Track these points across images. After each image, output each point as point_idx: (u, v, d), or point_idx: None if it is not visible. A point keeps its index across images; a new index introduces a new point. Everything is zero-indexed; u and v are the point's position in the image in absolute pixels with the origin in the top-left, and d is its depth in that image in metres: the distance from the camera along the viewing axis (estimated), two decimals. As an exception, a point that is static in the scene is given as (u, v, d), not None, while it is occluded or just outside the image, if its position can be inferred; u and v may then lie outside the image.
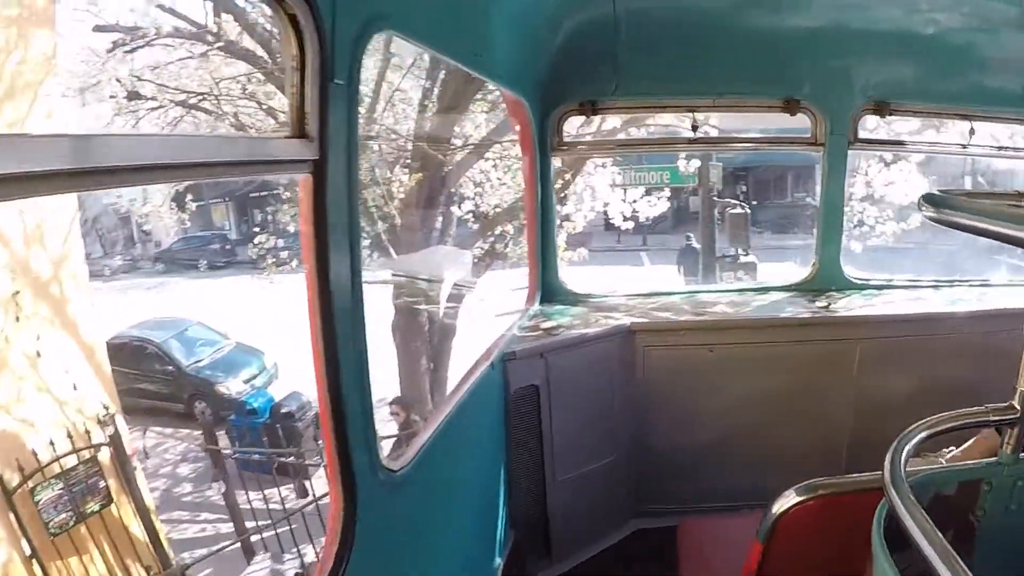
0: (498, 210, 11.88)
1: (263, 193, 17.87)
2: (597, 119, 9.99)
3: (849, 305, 4.52)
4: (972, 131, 4.51)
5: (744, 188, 25.79)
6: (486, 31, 3.35)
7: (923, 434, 2.12)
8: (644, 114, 9.19)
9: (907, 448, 2.02)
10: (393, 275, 11.54)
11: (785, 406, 4.36)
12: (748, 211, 13.79)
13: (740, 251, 14.36)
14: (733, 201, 14.82)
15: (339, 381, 1.99)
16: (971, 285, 5.00)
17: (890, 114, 4.51)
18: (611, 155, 11.12)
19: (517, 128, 4.53)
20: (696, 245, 18.06)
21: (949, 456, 3.30)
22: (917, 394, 4.24)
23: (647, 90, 4.55)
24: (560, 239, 11.28)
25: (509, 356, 3.72)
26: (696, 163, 13.26)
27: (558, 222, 11.28)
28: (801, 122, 4.74)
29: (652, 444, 4.38)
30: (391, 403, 11.26)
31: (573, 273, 11.22)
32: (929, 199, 1.87)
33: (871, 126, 5.20)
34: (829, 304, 4.51)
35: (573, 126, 8.88)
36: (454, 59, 3.27)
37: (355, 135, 2.05)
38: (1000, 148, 5.02)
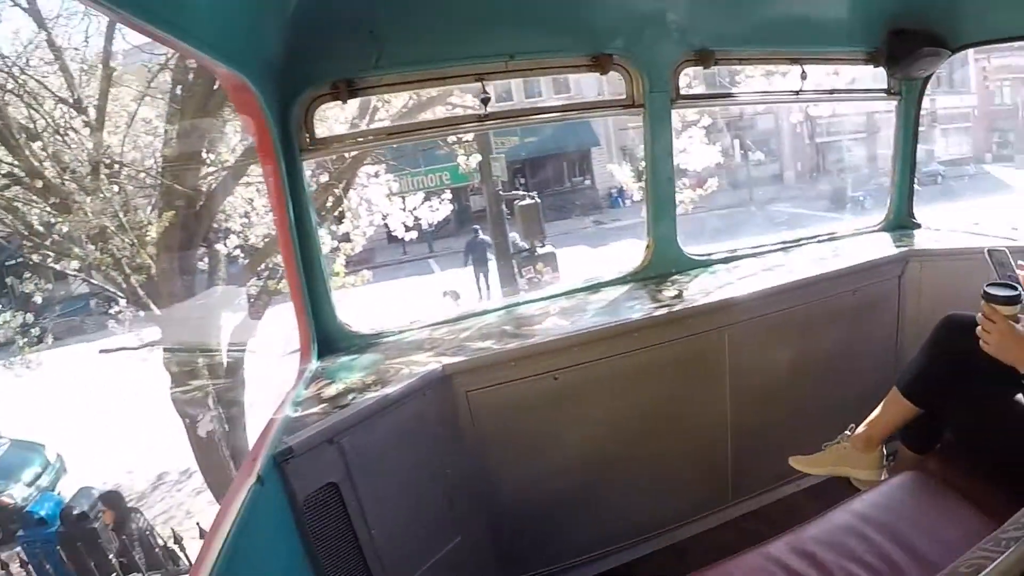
0: (267, 240, 10.59)
1: (16, 260, 15.54)
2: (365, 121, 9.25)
3: (703, 288, 3.81)
4: (804, 75, 4.06)
5: (523, 180, 25.94)
6: None
7: None
8: (417, 90, 8.23)
9: None
10: (161, 335, 10.11)
11: (654, 421, 3.64)
12: (539, 201, 13.35)
13: (536, 243, 13.86)
14: (521, 192, 14.33)
15: None
16: (819, 241, 4.61)
17: (715, 64, 3.87)
18: (381, 145, 8.65)
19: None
20: (484, 237, 17.80)
21: (855, 435, 3.09)
22: (795, 370, 3.86)
23: (421, 58, 3.38)
24: (338, 263, 10.52)
25: (284, 455, 2.52)
26: (477, 158, 12.69)
27: (334, 244, 10.51)
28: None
29: (504, 507, 3.43)
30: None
31: (359, 300, 10.34)
32: None
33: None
34: (681, 292, 3.79)
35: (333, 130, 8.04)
36: (113, 4, 1.87)
37: None
38: (832, 92, 4.52)
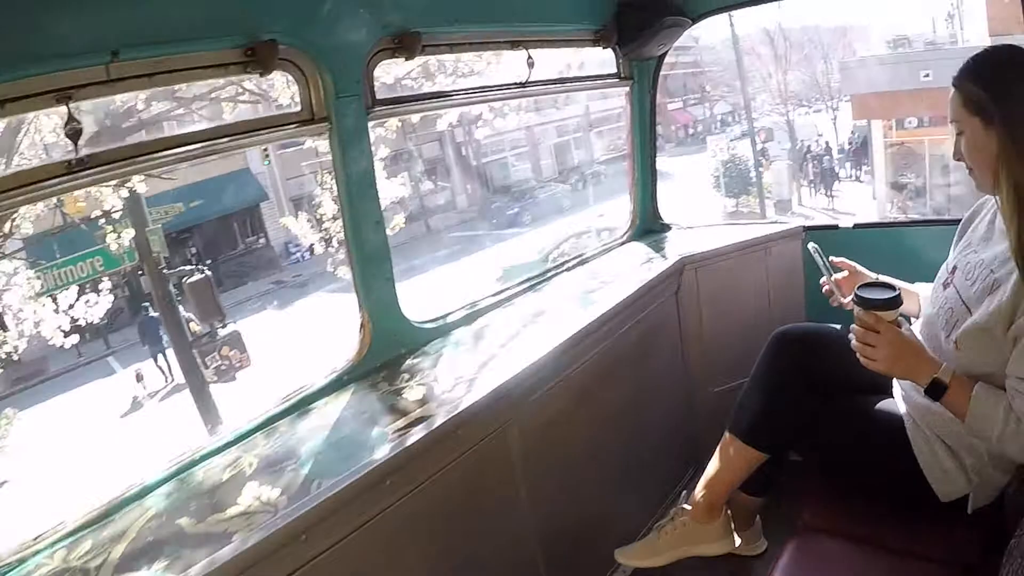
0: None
1: None
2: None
3: (457, 374, 2.66)
4: (531, 61, 3.28)
5: (194, 250, 23.94)
6: None
7: None
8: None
9: None
10: None
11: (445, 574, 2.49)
12: (209, 274, 11.96)
13: (216, 324, 12.48)
14: (188, 268, 12.76)
15: None
16: (569, 268, 3.81)
17: (422, 51, 2.78)
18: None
19: None
20: (154, 314, 16.30)
21: (694, 505, 2.67)
22: (594, 440, 3.07)
23: None
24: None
25: None
26: (131, 234, 11.27)
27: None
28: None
29: None
30: None
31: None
32: None
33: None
34: (430, 392, 2.53)
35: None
36: None
37: None
38: (561, 81, 3.80)
